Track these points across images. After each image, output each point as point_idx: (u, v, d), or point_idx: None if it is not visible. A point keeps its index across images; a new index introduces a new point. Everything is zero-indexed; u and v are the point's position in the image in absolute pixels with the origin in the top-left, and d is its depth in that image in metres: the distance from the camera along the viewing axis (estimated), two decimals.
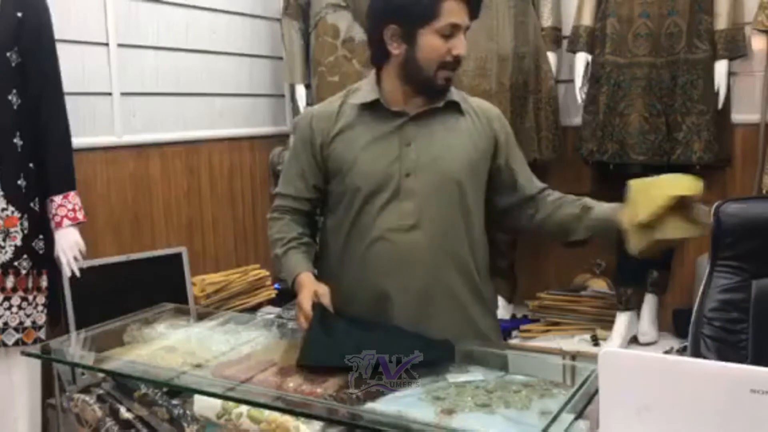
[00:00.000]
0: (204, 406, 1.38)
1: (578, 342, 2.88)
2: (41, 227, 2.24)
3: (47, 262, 2.26)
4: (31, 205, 2.21)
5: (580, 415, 1.20)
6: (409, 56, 1.60)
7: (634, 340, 2.87)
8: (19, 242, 2.17)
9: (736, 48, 2.66)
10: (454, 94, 1.69)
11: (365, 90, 1.69)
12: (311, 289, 1.56)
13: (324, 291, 1.55)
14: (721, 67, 2.65)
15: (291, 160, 1.77)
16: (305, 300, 1.54)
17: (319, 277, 1.70)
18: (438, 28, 1.56)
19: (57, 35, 2.27)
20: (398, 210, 1.62)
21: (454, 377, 1.36)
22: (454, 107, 1.67)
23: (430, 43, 1.57)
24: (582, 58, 2.87)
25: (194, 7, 3.12)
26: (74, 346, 1.71)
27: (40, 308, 2.23)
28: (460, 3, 1.57)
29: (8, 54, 2.13)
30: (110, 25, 2.77)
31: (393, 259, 1.62)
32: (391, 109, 1.65)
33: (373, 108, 1.66)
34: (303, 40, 3.35)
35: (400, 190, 1.62)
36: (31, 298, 2.21)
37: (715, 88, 2.65)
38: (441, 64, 1.59)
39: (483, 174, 1.69)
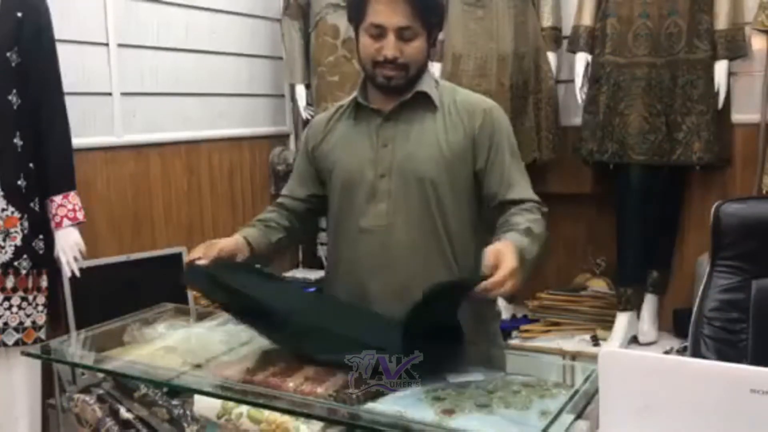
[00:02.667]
0: (204, 406, 1.38)
1: (578, 342, 2.88)
2: (41, 227, 2.24)
3: (47, 262, 2.26)
4: (31, 205, 2.21)
5: (580, 415, 1.20)
6: (359, 55, 1.65)
7: (634, 340, 2.87)
8: (19, 242, 2.17)
9: (736, 48, 2.66)
10: (428, 85, 1.66)
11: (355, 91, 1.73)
12: (218, 242, 1.57)
13: (223, 246, 1.55)
14: (721, 67, 2.65)
15: (294, 169, 1.84)
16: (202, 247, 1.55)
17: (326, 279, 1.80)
18: (365, 27, 1.60)
19: (57, 35, 2.27)
20: (374, 211, 1.62)
21: (454, 377, 1.36)
22: (428, 100, 1.65)
23: (362, 42, 1.62)
24: (582, 58, 2.87)
25: (194, 7, 3.12)
26: (74, 346, 1.71)
27: (40, 308, 2.23)
28: (391, 4, 1.55)
29: (8, 54, 2.13)
30: (110, 25, 2.77)
31: (372, 259, 1.63)
32: (370, 107, 1.67)
33: (357, 108, 1.69)
34: (303, 40, 3.35)
35: (375, 191, 1.63)
36: (31, 298, 2.21)
37: (715, 88, 2.65)
38: (374, 63, 1.60)
39: (462, 172, 1.64)
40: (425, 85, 1.65)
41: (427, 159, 1.62)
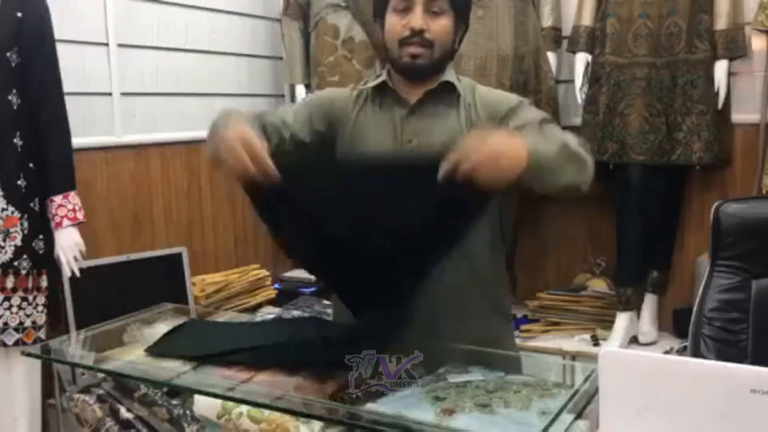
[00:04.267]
0: (204, 406, 1.38)
1: (578, 342, 2.88)
2: (41, 227, 2.24)
3: (47, 262, 2.26)
4: (31, 205, 2.21)
5: (580, 415, 1.20)
6: (385, 40, 1.62)
7: (634, 340, 2.87)
8: (19, 242, 2.17)
9: (736, 48, 2.66)
10: (450, 75, 1.64)
11: (379, 76, 1.67)
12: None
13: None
14: (721, 67, 2.65)
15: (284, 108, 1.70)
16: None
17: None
18: (393, 5, 1.58)
19: (57, 35, 2.27)
20: None
21: (454, 377, 1.36)
22: (452, 91, 1.62)
23: (390, 22, 1.59)
24: (582, 58, 2.87)
25: (194, 7, 3.12)
26: (74, 346, 1.70)
27: (40, 308, 2.23)
28: None
29: (8, 54, 2.14)
30: (110, 25, 2.77)
31: None
32: (396, 94, 1.62)
33: (383, 94, 1.64)
34: (303, 40, 3.35)
35: None
36: (31, 298, 2.21)
37: (715, 88, 2.65)
38: (401, 40, 1.57)
39: None
40: (450, 77, 1.63)
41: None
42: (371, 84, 1.66)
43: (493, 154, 1.23)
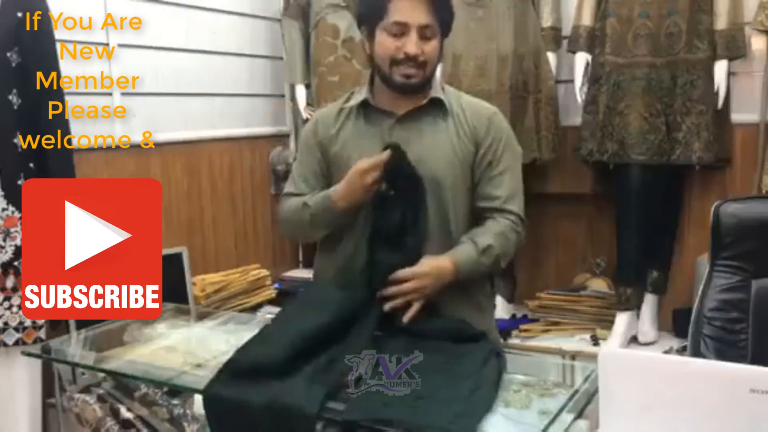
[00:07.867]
0: None
1: (578, 342, 2.88)
2: None
3: None
4: None
5: (580, 415, 1.20)
6: (373, 55, 1.67)
7: (634, 340, 2.87)
8: (19, 242, 2.17)
9: (735, 48, 2.65)
10: (439, 90, 1.69)
11: (361, 91, 1.72)
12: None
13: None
14: (720, 67, 2.65)
15: (299, 163, 1.79)
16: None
17: (318, 276, 1.74)
18: (386, 26, 1.61)
19: (57, 35, 2.27)
20: None
21: None
22: (440, 105, 1.68)
23: (381, 41, 1.63)
24: (582, 58, 2.86)
25: (194, 7, 3.12)
26: (74, 346, 1.71)
27: None
28: (413, 2, 1.59)
29: (8, 54, 2.14)
30: (110, 25, 2.76)
31: None
32: (380, 109, 1.68)
33: (366, 108, 1.70)
34: (303, 40, 3.35)
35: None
36: None
37: (715, 88, 2.65)
38: (393, 61, 1.62)
39: (469, 176, 1.67)
40: (438, 92, 1.69)
41: (443, 162, 1.64)
42: (353, 103, 1.71)
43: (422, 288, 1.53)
